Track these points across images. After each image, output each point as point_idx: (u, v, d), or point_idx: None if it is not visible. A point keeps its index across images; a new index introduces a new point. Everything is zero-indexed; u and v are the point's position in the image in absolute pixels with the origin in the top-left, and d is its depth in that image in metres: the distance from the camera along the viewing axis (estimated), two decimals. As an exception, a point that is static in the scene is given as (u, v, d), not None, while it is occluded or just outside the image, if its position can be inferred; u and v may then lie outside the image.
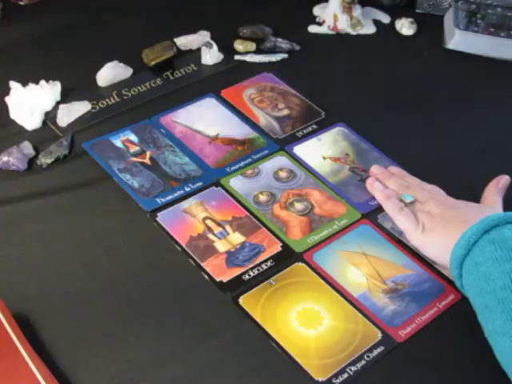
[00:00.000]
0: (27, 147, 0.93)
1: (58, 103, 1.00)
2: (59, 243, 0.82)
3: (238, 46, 1.12)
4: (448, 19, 1.18)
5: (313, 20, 1.20)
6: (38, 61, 1.09)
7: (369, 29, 1.18)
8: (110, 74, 1.05)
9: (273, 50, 1.12)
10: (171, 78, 1.07)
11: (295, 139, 0.97)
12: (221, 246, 0.82)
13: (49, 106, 0.99)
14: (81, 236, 0.83)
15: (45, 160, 0.91)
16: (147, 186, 0.89)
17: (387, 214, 0.84)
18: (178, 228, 0.84)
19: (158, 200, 0.87)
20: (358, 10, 1.18)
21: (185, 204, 0.87)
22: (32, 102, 0.97)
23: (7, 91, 0.98)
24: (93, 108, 1.00)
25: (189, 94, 1.03)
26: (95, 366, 0.70)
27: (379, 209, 0.86)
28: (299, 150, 0.95)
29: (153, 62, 1.07)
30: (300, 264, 0.80)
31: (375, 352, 0.72)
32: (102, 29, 1.17)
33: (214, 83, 1.05)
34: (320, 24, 1.19)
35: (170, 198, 0.87)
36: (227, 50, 1.11)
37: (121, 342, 0.72)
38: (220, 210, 0.86)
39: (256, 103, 1.03)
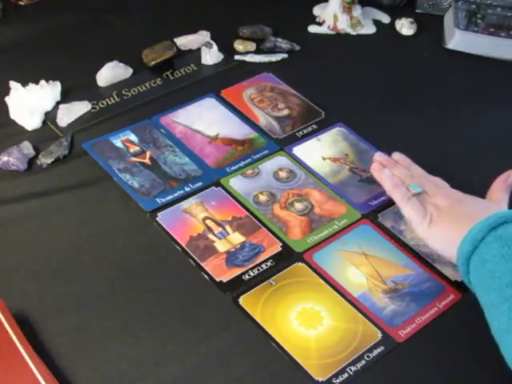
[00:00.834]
0: (27, 147, 0.93)
1: (58, 103, 1.00)
2: (59, 243, 0.82)
3: (238, 45, 1.12)
4: (448, 19, 1.18)
5: (313, 20, 1.20)
6: (38, 61, 1.09)
7: (369, 29, 1.19)
8: (110, 74, 1.05)
9: (273, 50, 1.12)
10: (171, 78, 1.07)
11: (295, 139, 0.97)
12: (221, 246, 0.82)
13: (49, 106, 0.99)
14: (81, 236, 0.83)
15: (45, 160, 0.91)
16: (147, 186, 0.89)
17: (388, 212, 0.84)
18: (178, 228, 0.84)
19: (158, 200, 0.87)
20: (358, 10, 1.18)
21: (185, 204, 0.87)
22: (32, 102, 0.97)
23: (7, 91, 0.98)
24: (93, 108, 1.00)
25: (189, 94, 1.03)
26: (95, 366, 0.70)
27: (379, 209, 0.87)
28: (298, 150, 0.95)
29: (153, 62, 1.07)
30: (300, 264, 0.80)
31: (375, 352, 0.72)
32: (102, 29, 1.17)
33: (214, 83, 1.05)
34: (320, 24, 1.19)
35: (170, 197, 0.87)
36: (227, 50, 1.11)
37: (121, 342, 0.72)
38: (220, 210, 0.86)
39: (256, 103, 1.03)
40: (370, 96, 1.05)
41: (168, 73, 1.07)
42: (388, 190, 0.84)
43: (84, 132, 0.97)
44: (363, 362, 0.71)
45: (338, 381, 0.69)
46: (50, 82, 1.01)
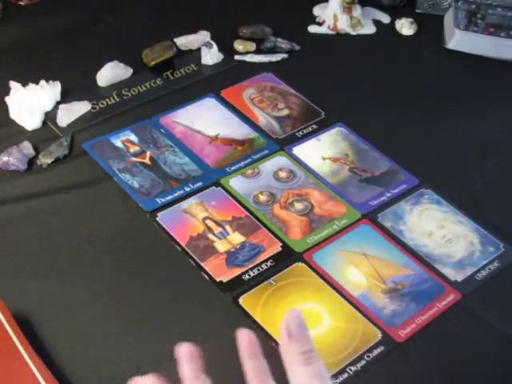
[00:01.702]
0: (27, 147, 0.93)
1: (58, 103, 1.00)
2: (59, 243, 0.82)
3: (238, 45, 1.12)
4: (448, 19, 1.18)
5: (313, 20, 1.20)
6: (38, 61, 1.09)
7: (369, 29, 1.19)
8: (110, 73, 1.05)
9: (273, 50, 1.12)
10: (171, 78, 1.07)
11: (295, 139, 0.97)
12: (221, 246, 0.82)
13: (49, 106, 0.99)
14: (81, 236, 0.83)
15: (45, 160, 0.91)
16: (147, 186, 0.89)
17: (388, 212, 0.84)
18: (178, 228, 0.84)
19: (158, 200, 0.87)
20: (357, 10, 1.18)
21: (185, 204, 0.87)
22: (32, 102, 0.97)
23: (7, 91, 0.98)
24: (93, 108, 1.00)
25: (189, 94, 1.03)
26: (95, 366, 0.70)
27: (379, 209, 0.87)
28: (298, 150, 0.95)
29: (153, 62, 1.07)
30: (300, 264, 0.80)
31: (375, 352, 0.72)
32: (101, 29, 1.17)
33: (214, 83, 1.05)
34: (320, 24, 1.19)
35: (170, 198, 0.87)
36: (227, 50, 1.11)
37: (121, 341, 0.72)
38: (220, 209, 0.86)
39: (256, 103, 1.03)
40: (369, 96, 1.05)
41: (168, 73, 1.07)
42: None
43: (84, 132, 0.97)
44: (363, 362, 0.71)
45: (337, 381, 0.69)
46: (50, 82, 1.01)
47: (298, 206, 0.87)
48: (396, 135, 0.98)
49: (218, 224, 0.84)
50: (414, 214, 0.86)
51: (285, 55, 1.11)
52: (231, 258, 0.80)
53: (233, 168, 0.92)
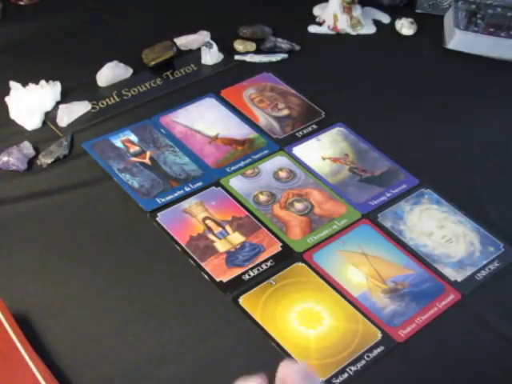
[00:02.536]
0: (27, 147, 0.93)
1: (58, 103, 1.00)
2: (59, 243, 0.82)
3: (238, 46, 1.12)
4: (448, 19, 1.18)
5: (313, 20, 1.20)
6: (38, 61, 1.09)
7: (369, 29, 1.19)
8: (110, 74, 1.05)
9: (273, 50, 1.12)
10: (171, 78, 1.07)
11: (295, 139, 0.97)
12: (221, 246, 0.82)
13: (49, 106, 0.99)
14: (81, 236, 0.83)
15: (45, 160, 0.91)
16: (147, 186, 0.89)
17: (388, 212, 0.84)
18: (178, 228, 0.84)
19: (158, 200, 0.87)
20: (358, 10, 1.18)
21: (185, 204, 0.87)
22: (32, 102, 0.97)
23: (7, 91, 0.98)
24: (93, 108, 1.00)
25: (189, 94, 1.03)
26: (95, 366, 0.70)
27: (379, 209, 0.87)
28: (298, 150, 0.95)
29: (153, 62, 1.07)
30: (300, 264, 0.80)
31: (375, 352, 0.72)
32: (102, 29, 1.17)
33: (214, 83, 1.05)
34: (320, 24, 1.19)
35: (169, 197, 0.87)
36: (227, 49, 1.11)
37: (121, 342, 0.72)
38: (220, 210, 0.86)
39: (256, 103, 1.03)
40: (369, 96, 1.05)
41: (168, 73, 1.07)
42: None
43: (84, 132, 0.97)
44: (363, 362, 0.71)
45: (337, 381, 0.69)
46: (50, 82, 1.01)
47: (298, 205, 0.87)
48: (396, 135, 0.98)
49: (218, 224, 0.84)
50: (413, 214, 0.86)
51: (285, 55, 1.11)
52: (231, 257, 0.80)
53: (233, 168, 0.92)
